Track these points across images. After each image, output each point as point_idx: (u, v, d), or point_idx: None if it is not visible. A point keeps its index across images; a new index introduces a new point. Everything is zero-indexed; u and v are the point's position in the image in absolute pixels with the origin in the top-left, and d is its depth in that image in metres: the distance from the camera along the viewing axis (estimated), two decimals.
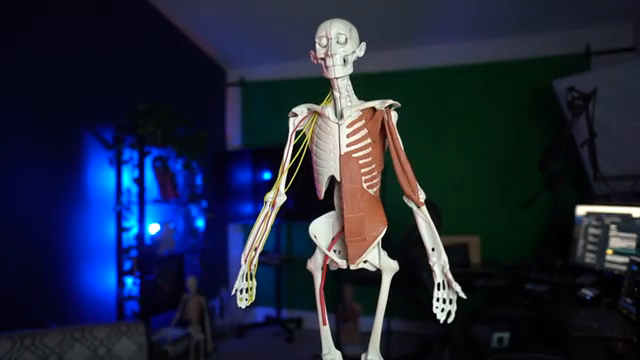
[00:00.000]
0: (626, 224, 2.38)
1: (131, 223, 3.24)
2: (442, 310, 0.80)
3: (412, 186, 0.81)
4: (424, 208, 0.82)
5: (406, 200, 0.83)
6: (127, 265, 3.22)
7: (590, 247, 2.56)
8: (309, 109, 0.87)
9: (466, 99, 4.12)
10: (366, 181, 0.83)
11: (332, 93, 0.83)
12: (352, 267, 0.86)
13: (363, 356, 0.89)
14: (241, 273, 0.87)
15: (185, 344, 3.34)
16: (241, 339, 4.16)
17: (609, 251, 2.43)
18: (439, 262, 0.81)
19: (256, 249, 0.87)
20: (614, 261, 2.39)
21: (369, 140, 0.82)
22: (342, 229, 0.89)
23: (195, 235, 3.82)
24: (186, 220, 3.85)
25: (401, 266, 0.89)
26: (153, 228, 3.42)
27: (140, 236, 3.23)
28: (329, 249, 0.89)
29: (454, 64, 4.13)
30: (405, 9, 3.61)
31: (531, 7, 3.51)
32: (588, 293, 2.24)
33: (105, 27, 3.27)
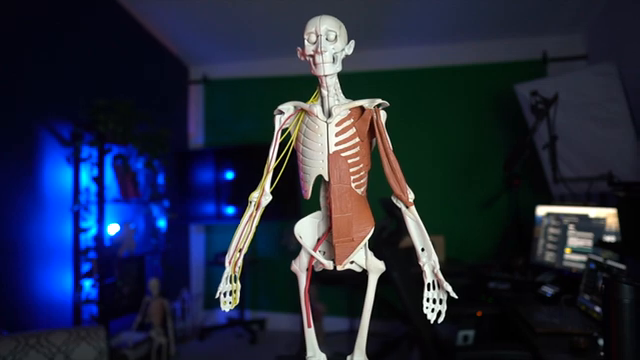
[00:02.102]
0: (583, 224, 2.48)
1: (89, 223, 3.11)
2: (432, 310, 0.80)
3: (401, 186, 0.81)
4: (413, 208, 0.82)
5: (395, 200, 0.83)
6: (85, 267, 3.08)
7: (550, 246, 2.65)
8: (296, 107, 0.85)
9: (431, 101, 4.20)
10: (354, 181, 0.82)
11: (320, 91, 0.82)
12: (339, 268, 0.85)
13: (349, 357, 0.88)
14: (225, 275, 0.84)
15: (146, 348, 3.24)
16: (203, 341, 4.08)
17: (567, 250, 2.53)
18: (429, 262, 0.81)
19: (240, 250, 0.85)
20: (572, 259, 2.49)
21: (357, 139, 0.82)
22: (328, 229, 0.88)
23: (156, 236, 3.71)
24: (147, 220, 3.74)
25: None
26: (112, 229, 3.30)
27: (99, 237, 3.10)
28: (315, 250, 0.88)
29: (418, 66, 4.21)
30: (370, 11, 3.64)
31: (493, 15, 3.62)
32: (548, 290, 2.32)
33: (63, 18, 3.13)
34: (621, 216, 2.11)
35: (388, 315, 3.77)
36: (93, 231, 3.12)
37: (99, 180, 3.10)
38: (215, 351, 3.91)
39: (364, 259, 0.87)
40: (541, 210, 2.77)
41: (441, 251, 3.77)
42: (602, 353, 1.60)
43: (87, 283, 3.08)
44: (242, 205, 4.30)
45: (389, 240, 2.39)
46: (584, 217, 2.48)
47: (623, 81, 2.66)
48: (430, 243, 0.81)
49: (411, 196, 0.81)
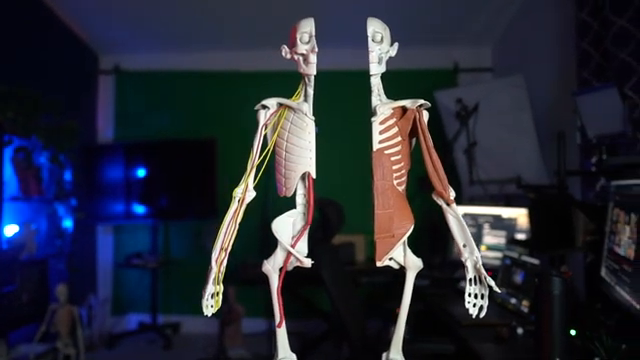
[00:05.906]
0: (497, 223, 2.70)
1: None
2: (474, 305, 0.81)
3: (443, 184, 0.82)
4: (454, 205, 0.84)
5: (435, 198, 0.84)
6: None
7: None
8: (278, 103, 0.85)
9: (354, 103, 4.27)
10: (396, 178, 0.85)
11: (305, 89, 0.86)
12: (378, 264, 0.85)
13: (384, 355, 0.86)
14: (213, 277, 0.79)
15: None
16: (112, 350, 3.82)
17: (483, 247, 2.73)
18: (471, 258, 0.82)
19: (225, 250, 0.80)
20: (487, 256, 2.69)
21: (400, 138, 0.84)
22: (304, 227, 0.88)
23: (62, 237, 3.40)
24: (50, 220, 3.41)
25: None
26: (10, 230, 2.97)
27: None
28: (293, 246, 0.87)
29: (348, 69, 4.28)
30: (292, 11, 3.65)
31: (413, 24, 3.78)
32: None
33: None
34: (532, 216, 2.32)
35: (309, 313, 3.79)
36: None
37: None
38: (126, 359, 3.68)
39: (402, 256, 0.87)
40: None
41: (362, 250, 3.87)
42: (520, 337, 1.75)
43: None
44: (154, 204, 4.09)
45: (322, 239, 2.41)
46: (498, 217, 2.70)
47: (529, 92, 2.94)
48: (472, 239, 0.82)
49: (452, 194, 0.83)
